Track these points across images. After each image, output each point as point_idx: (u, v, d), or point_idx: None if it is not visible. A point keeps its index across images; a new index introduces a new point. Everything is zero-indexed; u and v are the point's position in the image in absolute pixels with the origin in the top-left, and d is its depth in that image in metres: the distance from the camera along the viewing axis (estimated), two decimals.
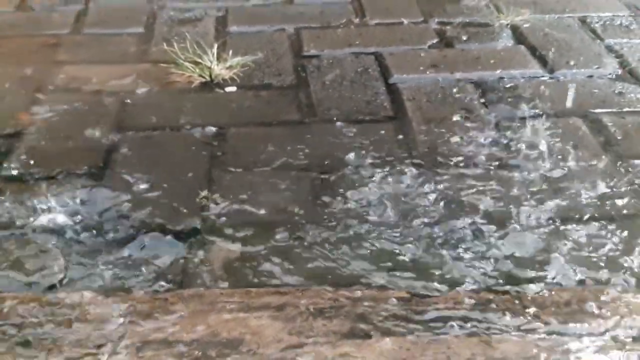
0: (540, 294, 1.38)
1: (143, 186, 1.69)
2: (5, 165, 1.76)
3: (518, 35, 2.42)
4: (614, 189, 1.68)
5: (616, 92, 2.08)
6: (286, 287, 1.41)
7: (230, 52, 2.24)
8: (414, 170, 1.74)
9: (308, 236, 1.54)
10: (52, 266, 1.46)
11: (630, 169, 1.74)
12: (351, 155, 1.79)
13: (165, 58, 2.23)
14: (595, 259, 1.48)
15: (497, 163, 1.77)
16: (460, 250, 1.50)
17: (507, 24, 2.48)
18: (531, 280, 1.42)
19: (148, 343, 1.28)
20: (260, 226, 1.57)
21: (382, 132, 1.90)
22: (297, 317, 1.33)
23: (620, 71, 2.19)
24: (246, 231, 1.55)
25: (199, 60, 2.17)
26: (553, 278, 1.43)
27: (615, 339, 1.29)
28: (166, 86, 2.13)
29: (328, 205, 1.63)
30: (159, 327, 1.31)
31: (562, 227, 1.56)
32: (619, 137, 1.87)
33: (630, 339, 1.28)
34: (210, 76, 2.15)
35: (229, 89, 2.12)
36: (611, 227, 1.56)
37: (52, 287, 1.41)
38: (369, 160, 1.77)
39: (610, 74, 2.18)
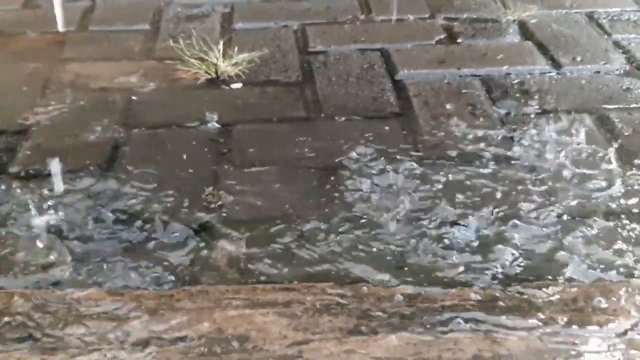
0: (548, 290, 1.38)
1: (149, 183, 1.69)
2: (11, 162, 1.77)
3: (525, 31, 2.41)
4: (621, 185, 1.67)
5: (623, 88, 2.07)
6: (292, 283, 1.41)
7: (236, 48, 2.24)
8: (420, 167, 1.74)
9: (314, 233, 1.54)
10: (57, 263, 1.46)
11: (637, 165, 1.73)
12: (357, 152, 1.79)
13: (171, 55, 2.23)
14: (603, 256, 1.47)
15: (503, 159, 1.76)
16: (466, 246, 1.50)
17: (514, 20, 2.47)
18: (539, 277, 1.42)
19: (153, 339, 1.28)
20: (266, 223, 1.57)
21: (389, 128, 1.89)
22: (302, 314, 1.33)
23: (627, 67, 2.18)
24: (252, 228, 1.55)
25: (205, 57, 2.17)
26: (561, 275, 1.42)
27: (624, 337, 1.28)
28: (172, 83, 2.14)
29: (334, 201, 1.63)
30: (165, 324, 1.31)
31: (570, 224, 1.56)
32: (626, 133, 1.86)
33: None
34: (216, 73, 2.15)
35: (234, 85, 2.12)
36: (620, 223, 1.55)
37: (57, 284, 1.41)
38: (375, 157, 1.77)
39: (617, 69, 2.17)
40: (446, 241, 1.51)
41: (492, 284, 1.40)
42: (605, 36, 2.36)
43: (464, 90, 2.07)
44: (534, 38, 2.35)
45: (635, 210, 1.59)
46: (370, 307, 1.34)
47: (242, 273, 1.44)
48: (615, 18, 2.47)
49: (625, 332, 1.29)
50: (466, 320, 1.31)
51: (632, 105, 1.98)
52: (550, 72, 2.16)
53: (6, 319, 1.32)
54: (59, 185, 1.68)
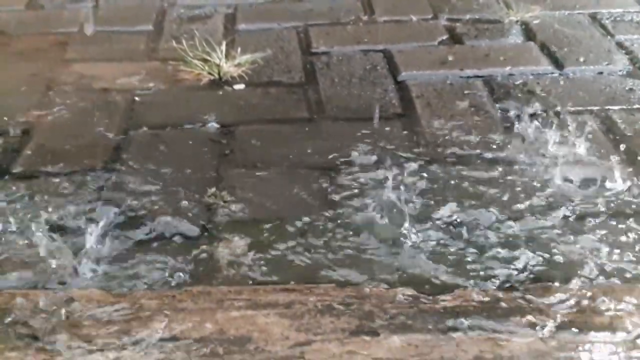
0: (551, 292, 1.38)
1: (151, 184, 1.69)
2: (14, 162, 1.77)
3: (528, 31, 2.41)
4: (625, 186, 1.66)
5: (627, 88, 2.06)
6: (294, 284, 1.41)
7: (239, 49, 2.24)
8: (422, 167, 1.74)
9: (316, 233, 1.54)
10: (61, 263, 1.46)
11: (639, 166, 1.74)
12: (360, 153, 1.79)
13: (174, 56, 2.23)
14: (608, 258, 1.46)
15: (506, 160, 1.76)
16: (467, 247, 1.50)
17: (517, 21, 2.47)
18: (541, 279, 1.42)
19: (155, 340, 1.28)
20: (269, 223, 1.57)
21: (391, 129, 1.89)
22: (304, 315, 1.33)
23: (630, 68, 2.17)
24: (254, 228, 1.55)
25: (208, 58, 2.17)
26: (564, 277, 1.42)
27: (627, 340, 1.28)
28: (175, 84, 2.14)
29: (336, 202, 1.63)
30: (167, 325, 1.31)
31: (574, 225, 1.55)
32: (629, 134, 1.85)
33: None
34: (219, 74, 2.15)
35: (237, 86, 2.12)
36: (625, 224, 1.55)
37: (59, 284, 1.42)
38: (378, 158, 1.77)
39: (620, 70, 2.16)
40: (447, 240, 1.51)
41: (494, 285, 1.40)
42: (609, 37, 2.35)
43: (466, 91, 2.07)
44: (536, 39, 2.35)
45: (639, 210, 1.59)
46: (372, 308, 1.34)
47: (244, 274, 1.44)
48: (618, 19, 2.47)
49: (629, 335, 1.28)
50: (468, 322, 1.31)
51: (635, 106, 1.98)
52: (553, 73, 2.16)
53: (8, 319, 1.32)
54: (61, 186, 1.68)
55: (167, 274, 1.44)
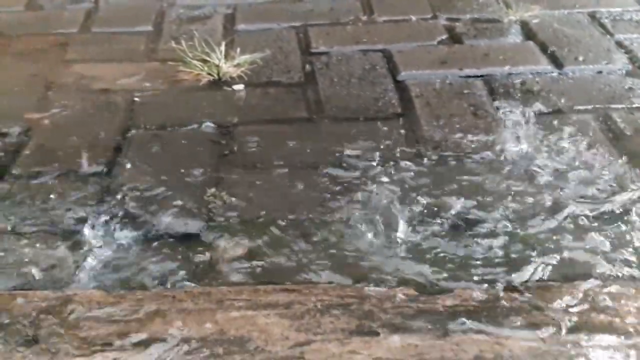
0: (552, 292, 1.38)
1: (151, 184, 1.69)
2: (14, 163, 1.77)
3: (527, 31, 2.41)
4: (625, 184, 1.67)
5: (626, 87, 2.06)
6: (294, 284, 1.41)
7: (238, 49, 2.24)
8: (422, 167, 1.74)
9: (316, 233, 1.54)
10: (61, 264, 1.46)
11: (639, 165, 1.73)
12: (359, 153, 1.79)
13: (173, 56, 2.23)
14: (609, 257, 1.47)
15: (506, 160, 1.76)
16: (467, 246, 1.50)
17: (516, 20, 2.47)
18: (541, 278, 1.42)
19: (155, 340, 1.28)
20: (268, 224, 1.57)
21: (391, 129, 1.89)
22: (304, 315, 1.33)
23: (630, 67, 2.17)
24: (254, 228, 1.55)
25: (207, 59, 2.17)
26: (565, 276, 1.42)
27: (628, 339, 1.28)
28: (174, 84, 2.14)
29: (336, 202, 1.63)
30: (167, 325, 1.31)
31: (573, 223, 1.55)
32: (628, 133, 1.85)
33: None
34: (218, 74, 2.15)
35: (236, 86, 2.12)
36: (626, 222, 1.55)
37: (59, 285, 1.42)
38: (378, 157, 1.77)
39: (620, 69, 2.16)
40: (447, 240, 1.51)
41: (494, 284, 1.40)
42: (608, 36, 2.35)
43: (465, 91, 2.07)
44: (536, 38, 2.35)
45: (638, 209, 1.59)
46: (372, 307, 1.34)
47: (244, 274, 1.44)
48: (617, 18, 2.47)
49: (629, 336, 1.28)
50: (468, 321, 1.31)
51: (634, 105, 1.98)
52: (552, 72, 2.16)
53: (7, 320, 1.32)
54: (60, 187, 1.68)
55: (166, 275, 1.44)
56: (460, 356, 1.25)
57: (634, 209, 1.59)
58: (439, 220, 1.57)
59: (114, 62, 2.27)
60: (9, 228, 1.56)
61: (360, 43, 2.36)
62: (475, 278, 1.42)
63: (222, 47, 2.19)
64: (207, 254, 1.49)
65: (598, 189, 1.65)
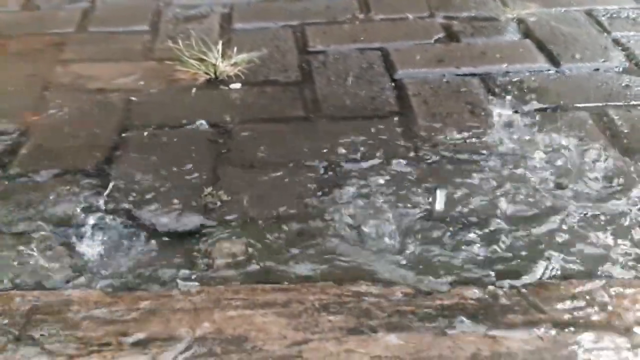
0: (549, 289, 1.38)
1: (148, 183, 1.69)
2: (11, 163, 1.77)
3: (524, 29, 2.41)
4: (623, 182, 1.67)
5: (623, 85, 2.06)
6: (291, 283, 1.41)
7: (235, 48, 2.24)
8: (419, 165, 1.74)
9: (313, 232, 1.54)
10: (60, 264, 1.46)
11: (637, 163, 1.73)
12: (356, 151, 1.79)
13: (170, 55, 2.23)
14: (607, 254, 1.47)
15: (503, 158, 1.76)
16: (466, 245, 1.50)
17: (513, 18, 2.47)
18: (538, 275, 1.42)
19: (154, 340, 1.28)
20: (265, 222, 1.57)
21: (388, 127, 1.89)
22: (302, 314, 1.33)
23: (627, 64, 2.17)
24: (251, 227, 1.55)
25: (204, 58, 2.17)
26: (563, 273, 1.42)
27: (626, 335, 1.28)
28: (171, 83, 2.14)
29: (333, 200, 1.63)
30: (165, 324, 1.31)
31: (572, 223, 1.55)
32: (625, 131, 1.86)
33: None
34: (215, 73, 2.15)
35: (233, 85, 2.12)
36: (623, 219, 1.55)
37: (60, 285, 1.41)
38: (374, 156, 1.77)
39: (616, 67, 2.16)
40: (446, 239, 1.51)
41: (492, 282, 1.40)
42: (605, 34, 2.35)
43: (462, 89, 2.07)
44: (533, 36, 2.35)
45: (637, 206, 1.59)
46: (370, 306, 1.34)
47: (242, 273, 1.44)
48: (614, 15, 2.47)
49: (627, 331, 1.29)
50: (466, 319, 1.31)
51: (631, 103, 1.98)
52: (549, 70, 2.16)
53: (5, 320, 1.32)
54: (58, 187, 1.68)
55: (165, 274, 1.44)
56: (458, 354, 1.25)
57: (633, 207, 1.60)
58: (438, 218, 1.57)
59: (110, 62, 2.26)
60: (5, 227, 1.56)
61: (357, 41, 2.36)
62: (473, 277, 1.42)
63: (219, 46, 2.19)
64: (204, 253, 1.49)
65: (596, 187, 1.66)
